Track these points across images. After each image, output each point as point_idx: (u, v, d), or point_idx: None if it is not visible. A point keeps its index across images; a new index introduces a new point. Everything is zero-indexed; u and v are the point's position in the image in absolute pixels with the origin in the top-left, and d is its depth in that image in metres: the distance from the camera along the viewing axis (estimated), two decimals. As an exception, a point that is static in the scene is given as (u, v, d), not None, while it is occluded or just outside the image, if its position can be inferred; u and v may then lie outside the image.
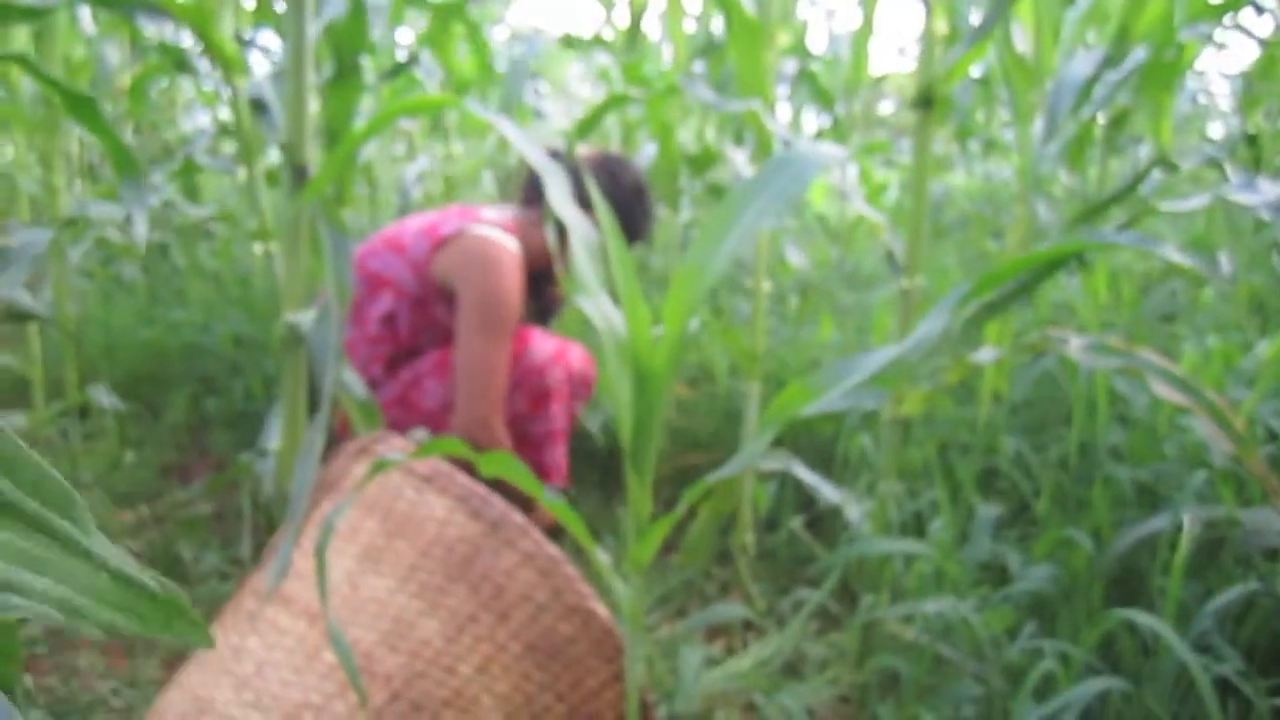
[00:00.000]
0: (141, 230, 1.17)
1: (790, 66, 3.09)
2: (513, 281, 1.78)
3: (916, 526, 1.61)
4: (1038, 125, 1.81)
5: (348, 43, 1.43)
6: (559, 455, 1.96)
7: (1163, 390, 1.15)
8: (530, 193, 1.95)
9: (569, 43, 2.65)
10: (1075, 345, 1.21)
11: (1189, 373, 1.38)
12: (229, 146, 4.18)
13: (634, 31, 2.53)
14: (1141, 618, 1.08)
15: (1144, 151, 3.24)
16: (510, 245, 1.82)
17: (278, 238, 1.90)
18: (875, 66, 3.90)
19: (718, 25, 2.72)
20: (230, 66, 1.55)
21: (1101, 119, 2.66)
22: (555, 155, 1.89)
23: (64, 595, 0.25)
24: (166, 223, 3.25)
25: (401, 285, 1.86)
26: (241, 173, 2.50)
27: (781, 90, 3.58)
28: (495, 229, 1.84)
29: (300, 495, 1.14)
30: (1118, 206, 2.13)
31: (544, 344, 1.93)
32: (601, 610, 1.09)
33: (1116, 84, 2.04)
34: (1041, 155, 1.86)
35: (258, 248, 2.85)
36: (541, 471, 1.93)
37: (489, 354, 1.76)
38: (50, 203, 2.36)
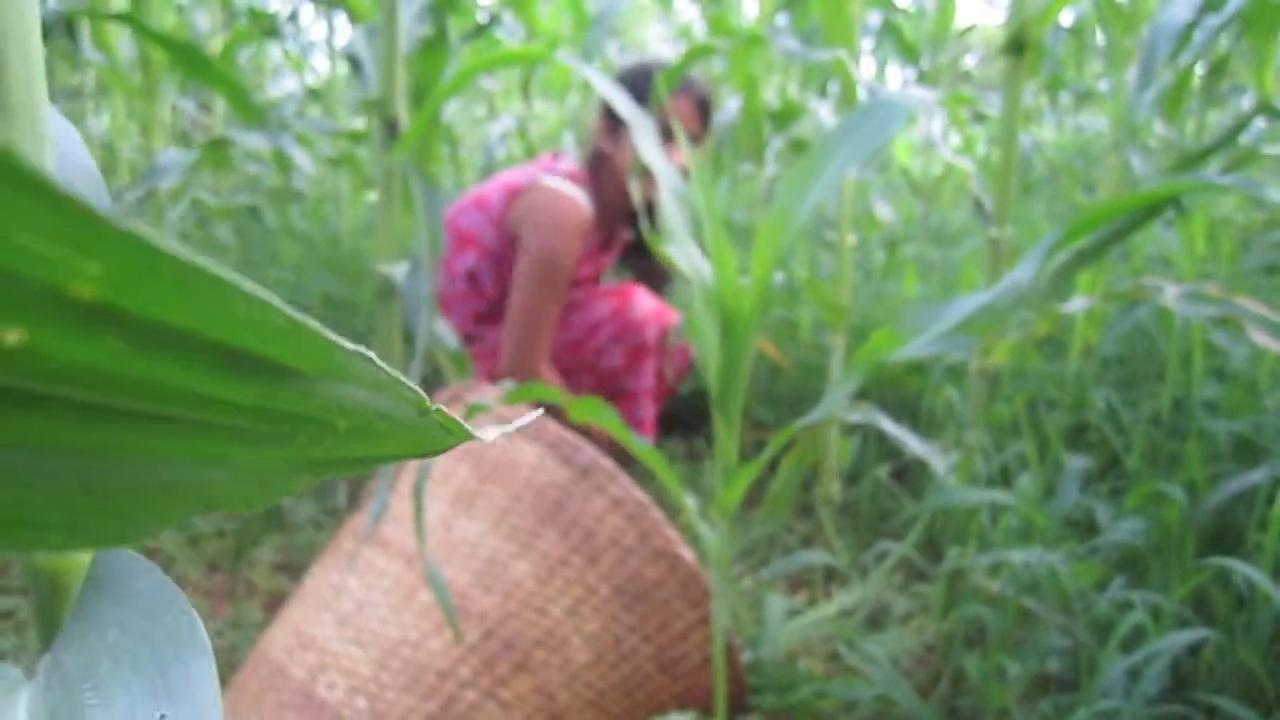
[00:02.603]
0: (301, 158, 1.21)
1: (874, 19, 3.04)
2: (571, 239, 1.83)
3: (1003, 480, 1.60)
4: (1132, 72, 1.76)
5: (440, 3, 1.45)
6: (649, 412, 2.01)
7: (1262, 339, 1.12)
8: (607, 119, 1.92)
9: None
10: (1171, 294, 1.19)
11: (1290, 323, 1.35)
12: (316, 110, 4.26)
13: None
14: (1238, 566, 1.07)
15: (1245, 102, 3.13)
16: (577, 198, 1.85)
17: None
18: (961, 17, 3.82)
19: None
20: (360, 16, 1.57)
21: (1200, 68, 2.57)
22: (638, 73, 1.88)
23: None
24: (257, 186, 3.33)
25: (484, 242, 1.92)
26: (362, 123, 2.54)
27: (865, 45, 3.52)
28: (564, 180, 1.87)
29: (395, 441, 1.18)
30: (1217, 157, 2.06)
31: (645, 302, 1.99)
32: (687, 555, 1.11)
33: (1217, 28, 1.97)
34: (1136, 104, 1.81)
35: (373, 196, 2.91)
36: (636, 424, 2.00)
37: (540, 305, 1.83)
38: (149, 168, 2.44)
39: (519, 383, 1.83)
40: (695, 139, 1.94)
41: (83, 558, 0.44)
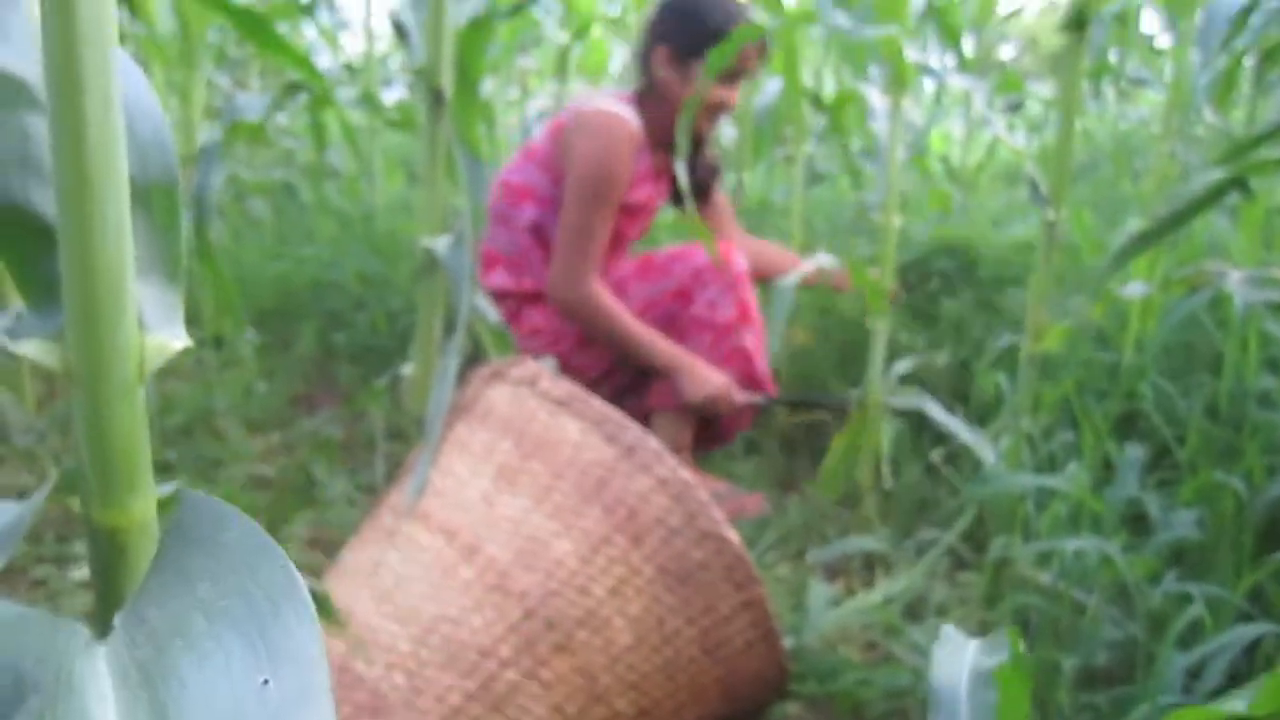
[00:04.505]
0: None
1: (917, 1, 2.99)
2: (620, 150, 1.78)
3: (1049, 469, 1.57)
4: (1194, 55, 1.72)
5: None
6: (766, 365, 1.93)
7: (1332, 327, 1.09)
8: (675, 52, 1.86)
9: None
10: (1235, 279, 1.16)
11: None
12: (349, 92, 4.25)
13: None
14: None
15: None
16: (623, 114, 1.82)
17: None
18: (1003, 4, 3.76)
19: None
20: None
21: (1250, 58, 2.51)
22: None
23: None
24: (292, 161, 3.32)
25: (539, 191, 1.88)
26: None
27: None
28: (610, 100, 1.85)
29: (436, 416, 1.16)
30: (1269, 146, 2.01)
31: (740, 257, 1.92)
32: (734, 536, 1.09)
33: (1276, 11, 1.92)
34: (1196, 88, 1.77)
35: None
36: (755, 382, 1.91)
37: (588, 217, 1.78)
38: (186, 139, 2.43)
39: (568, 303, 1.81)
40: (751, 75, 1.93)
41: (143, 514, 0.42)
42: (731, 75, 1.84)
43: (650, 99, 1.88)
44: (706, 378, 1.80)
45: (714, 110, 1.87)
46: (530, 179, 1.89)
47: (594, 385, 1.81)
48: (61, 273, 0.37)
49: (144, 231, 0.40)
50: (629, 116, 1.82)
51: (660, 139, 1.89)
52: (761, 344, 1.91)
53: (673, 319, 1.90)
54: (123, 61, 0.43)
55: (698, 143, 1.93)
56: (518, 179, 1.91)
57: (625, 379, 1.91)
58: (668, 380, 1.84)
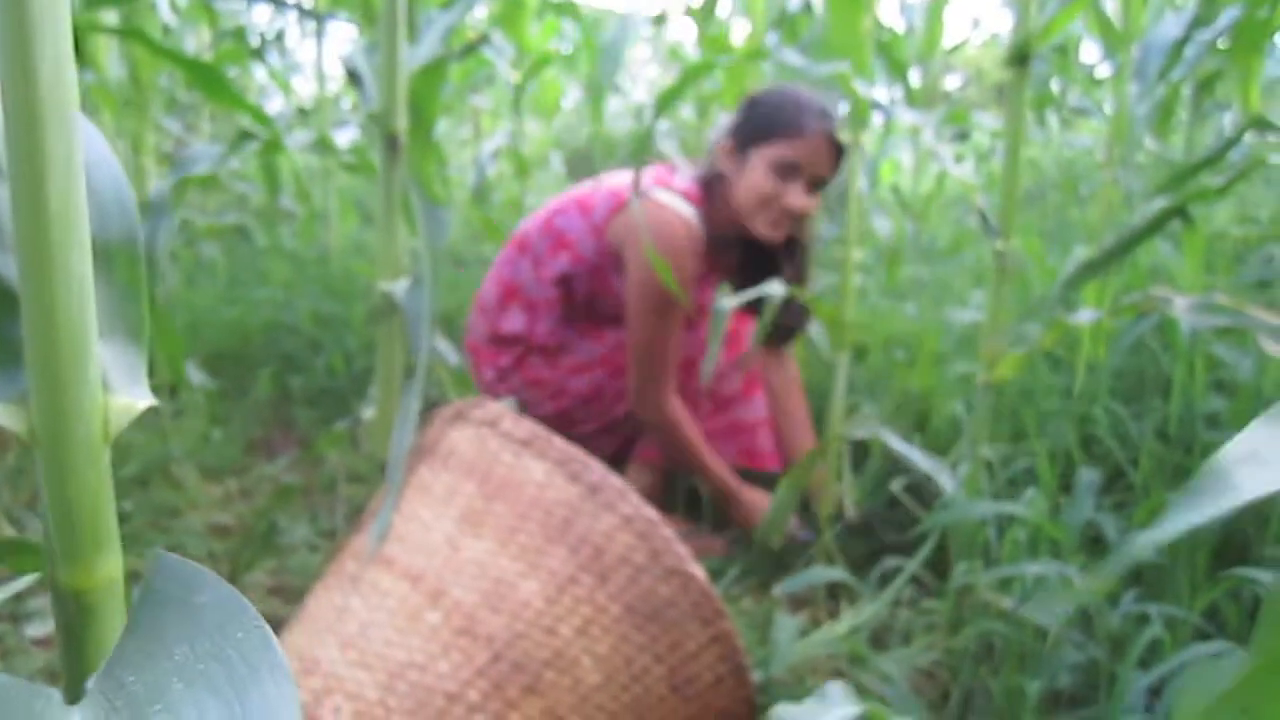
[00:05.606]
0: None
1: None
2: (681, 260, 1.69)
3: (1009, 496, 1.59)
4: (1132, 87, 1.77)
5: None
6: (771, 441, 1.92)
7: (1273, 348, 1.12)
8: (735, 144, 1.75)
9: (656, 20, 2.67)
10: (1180, 304, 1.18)
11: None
12: (302, 135, 4.25)
13: (711, 7, 2.51)
14: (1261, 575, 1.05)
15: (1228, 119, 3.15)
16: (687, 216, 1.72)
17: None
18: (948, 37, 3.83)
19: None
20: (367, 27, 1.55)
21: (1187, 87, 2.59)
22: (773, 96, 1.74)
23: None
24: (245, 204, 3.31)
25: (580, 250, 1.81)
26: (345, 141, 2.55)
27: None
28: (675, 196, 1.74)
29: (398, 460, 1.16)
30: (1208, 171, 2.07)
31: (752, 332, 1.88)
32: (699, 572, 1.09)
33: (1209, 43, 1.98)
34: (1135, 118, 1.81)
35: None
36: (756, 457, 1.90)
37: (657, 335, 1.73)
38: (139, 185, 2.42)
39: (651, 423, 1.79)
40: (824, 184, 1.76)
41: (109, 575, 0.42)
42: (807, 181, 1.71)
43: (711, 192, 1.78)
44: (764, 509, 1.79)
45: (783, 219, 1.74)
46: (575, 232, 1.82)
47: (589, 443, 1.76)
48: (24, 336, 0.37)
49: (106, 292, 0.40)
50: (691, 216, 1.72)
51: (714, 236, 1.79)
52: (765, 419, 1.91)
53: (679, 389, 1.86)
54: (82, 124, 0.43)
55: (771, 258, 1.82)
56: (561, 224, 1.82)
57: (622, 441, 1.90)
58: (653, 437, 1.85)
